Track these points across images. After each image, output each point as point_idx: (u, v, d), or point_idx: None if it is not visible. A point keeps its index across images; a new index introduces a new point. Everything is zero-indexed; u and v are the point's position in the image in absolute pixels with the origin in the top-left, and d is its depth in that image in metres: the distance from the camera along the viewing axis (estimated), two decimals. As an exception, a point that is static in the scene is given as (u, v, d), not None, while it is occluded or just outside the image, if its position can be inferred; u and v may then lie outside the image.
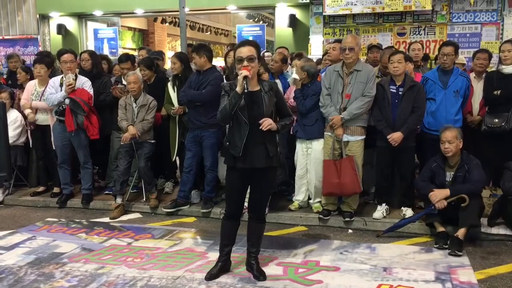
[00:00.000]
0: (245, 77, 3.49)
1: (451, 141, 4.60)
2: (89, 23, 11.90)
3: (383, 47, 6.51)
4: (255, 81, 3.69)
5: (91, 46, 11.46)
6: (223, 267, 3.93)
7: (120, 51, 11.20)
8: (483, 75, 5.53)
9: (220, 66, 6.84)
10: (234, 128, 3.68)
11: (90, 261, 4.30)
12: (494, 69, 5.51)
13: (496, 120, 5.14)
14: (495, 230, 4.79)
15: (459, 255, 4.29)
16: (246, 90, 3.50)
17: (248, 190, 3.93)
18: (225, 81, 5.67)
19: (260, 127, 3.56)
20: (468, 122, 5.44)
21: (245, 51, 3.61)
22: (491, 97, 5.19)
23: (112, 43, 11.66)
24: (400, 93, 4.94)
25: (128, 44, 13.67)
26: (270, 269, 4.02)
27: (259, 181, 3.80)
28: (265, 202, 4.08)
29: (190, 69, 5.65)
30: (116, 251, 4.54)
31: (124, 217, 5.67)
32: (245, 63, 3.58)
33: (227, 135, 3.83)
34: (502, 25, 8.44)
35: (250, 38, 10.38)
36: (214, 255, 4.36)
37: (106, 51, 11.39)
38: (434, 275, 3.93)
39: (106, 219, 5.58)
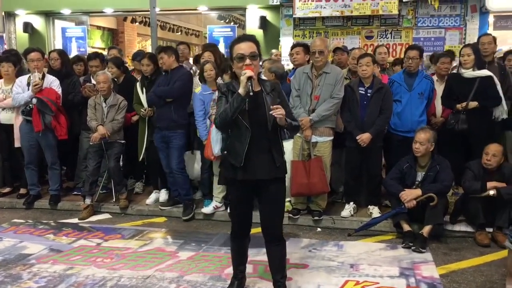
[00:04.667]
0: (250, 78, 3.05)
1: (422, 142, 4.76)
2: (56, 21, 11.69)
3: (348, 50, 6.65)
4: (256, 81, 3.22)
5: (58, 45, 11.27)
6: (240, 284, 3.59)
7: (89, 50, 11.06)
8: (445, 78, 5.74)
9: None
10: (234, 135, 3.23)
11: (58, 262, 4.26)
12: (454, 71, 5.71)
13: (452, 121, 5.33)
14: (457, 227, 4.98)
15: (423, 252, 4.44)
16: (251, 93, 3.05)
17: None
18: (197, 80, 5.71)
19: (271, 112, 3.06)
20: (432, 124, 5.63)
21: (246, 48, 3.14)
22: (451, 103, 5.38)
23: (81, 42, 11.51)
24: (369, 94, 5.07)
25: (97, 43, 13.50)
26: (240, 267, 4.07)
27: (266, 196, 3.29)
28: (278, 219, 3.41)
29: (159, 70, 5.66)
30: (85, 252, 4.51)
31: (93, 218, 5.62)
32: (248, 61, 3.12)
33: (225, 142, 3.38)
34: (465, 30, 8.75)
35: (221, 39, 10.45)
36: (184, 254, 4.43)
37: (74, 50, 11.23)
38: (399, 270, 4.07)
39: (74, 220, 5.53)
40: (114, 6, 10.84)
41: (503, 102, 5.25)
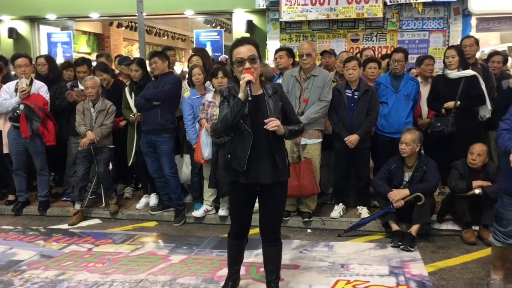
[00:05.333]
0: (249, 82, 3.02)
1: (408, 143, 4.85)
2: (42, 26, 11.61)
3: (338, 52, 6.74)
4: (257, 84, 3.21)
5: (44, 50, 11.20)
6: (233, 286, 3.62)
7: (75, 56, 11.02)
8: (429, 80, 5.85)
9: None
10: (236, 139, 3.23)
11: (50, 268, 4.25)
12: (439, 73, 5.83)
13: (439, 124, 5.42)
14: (444, 226, 5.08)
15: (411, 251, 4.52)
16: (250, 98, 3.03)
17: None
18: (186, 85, 5.74)
19: (265, 126, 3.06)
20: (418, 125, 5.72)
21: (245, 51, 3.12)
22: (437, 104, 5.49)
23: (66, 47, 11.45)
24: (356, 97, 5.15)
25: (82, 48, 13.44)
26: (232, 270, 4.11)
27: (268, 199, 3.33)
28: (278, 222, 3.48)
29: (148, 75, 5.67)
30: (77, 257, 4.50)
31: (83, 223, 5.61)
32: (247, 65, 3.09)
33: (228, 146, 3.37)
34: (448, 32, 8.90)
35: (208, 43, 10.49)
36: (176, 258, 4.44)
37: (60, 55, 11.17)
38: (388, 269, 4.14)
39: (64, 226, 5.51)
40: (100, 11, 10.80)
41: (487, 101, 5.37)
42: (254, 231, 5.20)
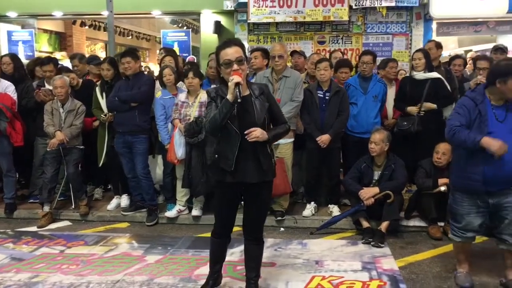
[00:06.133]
0: (237, 84, 3.05)
1: (377, 142, 5.02)
2: (1, 24, 11.24)
3: (305, 54, 6.88)
4: (244, 85, 3.22)
5: (4, 49, 10.84)
6: (214, 284, 3.66)
7: (37, 55, 10.72)
8: (393, 82, 6.07)
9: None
10: (224, 139, 3.25)
11: (22, 271, 4.17)
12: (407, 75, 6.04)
13: (405, 123, 5.63)
14: (411, 223, 5.27)
15: (382, 247, 4.68)
16: (239, 100, 3.06)
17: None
18: (157, 85, 5.72)
19: (246, 137, 3.13)
20: (385, 125, 5.91)
21: (232, 53, 3.15)
22: (403, 105, 5.69)
23: (28, 46, 11.13)
24: (327, 97, 5.28)
25: (44, 47, 13.07)
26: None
27: (253, 198, 3.39)
28: (262, 221, 3.52)
29: (119, 75, 5.62)
30: (49, 259, 4.43)
31: (53, 225, 5.52)
32: (235, 66, 3.13)
33: (215, 146, 3.35)
34: (411, 36, 9.19)
35: (175, 44, 10.44)
36: (152, 258, 4.44)
37: (21, 54, 10.83)
38: (361, 265, 4.28)
39: (33, 228, 5.40)
40: (63, 9, 10.54)
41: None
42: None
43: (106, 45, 16.11)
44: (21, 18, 11.19)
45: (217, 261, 3.64)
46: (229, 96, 3.08)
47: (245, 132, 3.13)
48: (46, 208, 5.60)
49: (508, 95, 3.50)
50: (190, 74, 5.25)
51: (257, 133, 3.13)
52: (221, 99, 3.19)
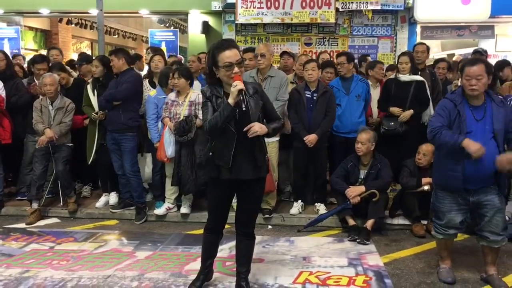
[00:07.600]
0: (241, 91, 3.06)
1: (363, 142, 5.14)
2: (-13, 21, 11.19)
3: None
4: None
5: (-11, 46, 10.76)
6: (205, 279, 3.73)
7: (22, 52, 10.66)
8: (377, 84, 6.22)
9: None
10: (220, 138, 3.28)
11: (12, 266, 4.19)
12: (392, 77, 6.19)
13: (392, 124, 5.76)
14: (396, 221, 5.41)
15: (367, 244, 4.80)
16: (244, 108, 3.12)
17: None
18: (147, 83, 5.77)
19: (248, 134, 3.15)
20: (369, 124, 6.05)
21: (232, 55, 3.13)
22: (386, 107, 5.84)
23: (14, 43, 11.06)
24: (315, 98, 5.39)
25: (29, 44, 12.98)
26: (199, 264, 4.19)
27: (247, 194, 3.46)
28: (254, 216, 3.64)
29: (111, 72, 5.65)
30: (39, 255, 4.46)
31: (41, 222, 5.53)
32: (236, 69, 3.12)
33: (210, 144, 3.38)
34: (396, 39, 9.40)
35: (163, 43, 10.47)
36: (142, 254, 4.49)
37: (7, 51, 10.73)
38: (347, 261, 4.39)
39: (22, 225, 5.41)
40: (49, 6, 10.52)
41: (430, 107, 5.73)
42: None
43: (92, 43, 16.06)
44: (6, 15, 11.13)
45: (209, 257, 3.71)
46: (231, 101, 3.10)
47: (245, 129, 3.16)
48: (35, 205, 5.60)
49: (465, 89, 3.67)
50: (176, 75, 5.29)
51: (256, 128, 3.17)
52: (216, 98, 3.25)
